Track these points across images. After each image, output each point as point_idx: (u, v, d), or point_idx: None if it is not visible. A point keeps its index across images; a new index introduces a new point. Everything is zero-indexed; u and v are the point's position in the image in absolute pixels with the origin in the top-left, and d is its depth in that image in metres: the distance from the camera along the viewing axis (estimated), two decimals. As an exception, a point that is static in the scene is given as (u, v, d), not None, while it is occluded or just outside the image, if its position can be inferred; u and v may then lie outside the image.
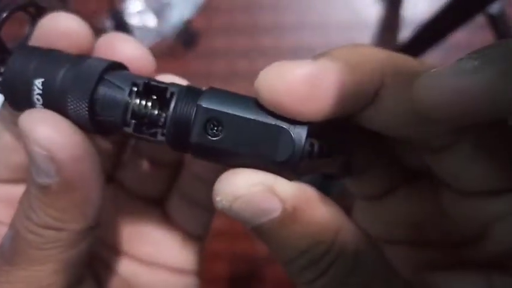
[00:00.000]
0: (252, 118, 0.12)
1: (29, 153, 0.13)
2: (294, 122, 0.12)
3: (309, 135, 0.12)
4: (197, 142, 0.12)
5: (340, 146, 0.14)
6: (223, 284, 0.78)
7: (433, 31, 0.56)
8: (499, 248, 0.14)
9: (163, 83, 0.14)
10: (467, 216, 0.14)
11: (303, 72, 0.13)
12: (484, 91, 0.11)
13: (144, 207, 0.19)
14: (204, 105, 0.13)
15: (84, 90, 0.13)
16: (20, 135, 0.13)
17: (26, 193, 0.14)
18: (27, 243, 0.13)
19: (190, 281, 0.19)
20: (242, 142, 0.12)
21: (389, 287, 0.13)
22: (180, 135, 0.13)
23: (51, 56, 0.14)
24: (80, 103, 0.13)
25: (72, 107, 0.13)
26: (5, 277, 0.14)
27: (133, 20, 0.84)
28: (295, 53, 0.82)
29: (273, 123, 0.12)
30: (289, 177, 0.12)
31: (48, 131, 0.12)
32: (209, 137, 0.12)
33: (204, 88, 0.14)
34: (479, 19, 0.59)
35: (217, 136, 0.12)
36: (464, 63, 0.12)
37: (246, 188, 0.12)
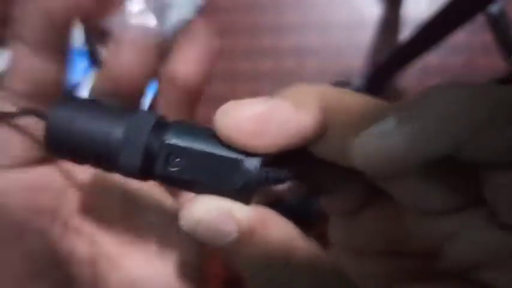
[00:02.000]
0: (210, 152, 0.14)
1: None
2: (248, 154, 0.14)
3: (263, 165, 0.14)
4: (160, 174, 0.14)
5: (297, 171, 0.15)
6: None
7: (433, 31, 0.57)
8: (452, 264, 0.14)
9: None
10: (424, 234, 0.15)
11: (251, 112, 0.14)
12: (405, 151, 0.12)
13: None
14: (166, 141, 0.14)
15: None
16: None
17: None
18: None
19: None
20: (202, 173, 0.14)
21: None
22: (146, 167, 0.14)
23: (95, 110, 0.15)
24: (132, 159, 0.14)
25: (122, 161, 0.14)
26: None
27: (133, 20, 0.84)
28: (296, 53, 0.82)
29: (228, 156, 0.14)
30: (249, 201, 0.14)
31: None
32: (171, 168, 0.14)
33: (171, 121, 0.15)
34: (479, 19, 0.59)
35: (179, 167, 0.14)
36: (386, 124, 0.12)
37: (204, 213, 0.13)
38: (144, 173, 0.14)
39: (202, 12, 0.85)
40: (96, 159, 0.14)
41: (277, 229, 0.14)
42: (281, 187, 0.12)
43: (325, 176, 0.16)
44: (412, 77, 0.79)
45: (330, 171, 0.15)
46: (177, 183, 0.14)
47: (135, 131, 0.14)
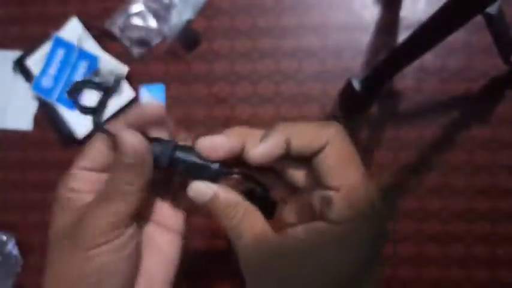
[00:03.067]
0: (195, 161, 0.27)
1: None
2: (212, 161, 0.27)
3: (220, 166, 0.27)
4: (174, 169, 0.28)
5: (238, 170, 0.28)
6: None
7: (432, 32, 0.57)
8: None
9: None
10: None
11: (212, 142, 0.27)
12: (270, 151, 0.26)
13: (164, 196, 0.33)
14: (175, 156, 0.28)
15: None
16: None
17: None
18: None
19: (179, 238, 0.32)
20: (192, 169, 0.28)
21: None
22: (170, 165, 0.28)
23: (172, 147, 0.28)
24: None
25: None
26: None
27: (134, 21, 0.85)
28: (295, 54, 0.82)
29: (203, 163, 0.27)
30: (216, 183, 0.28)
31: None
32: (178, 166, 0.28)
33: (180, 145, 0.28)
34: (478, 19, 0.59)
35: (182, 166, 0.28)
36: (259, 141, 0.27)
37: (198, 186, 0.27)
38: (168, 168, 0.28)
39: (201, 13, 0.85)
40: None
41: (230, 194, 0.27)
42: (232, 179, 0.28)
43: (256, 173, 0.29)
44: (411, 77, 0.79)
45: (257, 171, 0.29)
46: (180, 174, 0.28)
47: (165, 150, 0.28)
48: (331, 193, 0.25)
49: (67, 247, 0.26)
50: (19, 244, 0.84)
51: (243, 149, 0.27)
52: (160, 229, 0.31)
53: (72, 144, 0.85)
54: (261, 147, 0.26)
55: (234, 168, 0.28)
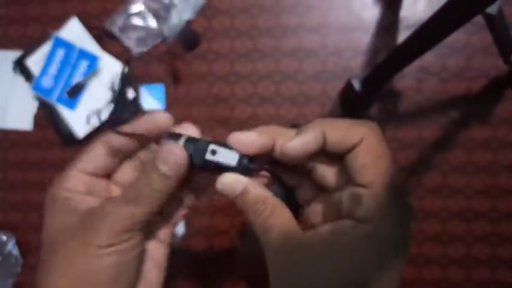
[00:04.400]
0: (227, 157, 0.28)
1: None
2: (242, 155, 0.27)
3: (248, 160, 0.27)
4: (204, 167, 0.28)
5: (265, 166, 0.28)
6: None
7: (432, 32, 0.57)
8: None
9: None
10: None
11: (245, 136, 0.27)
12: (306, 145, 0.27)
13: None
14: (205, 157, 0.28)
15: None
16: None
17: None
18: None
19: (168, 248, 0.32)
20: (221, 164, 0.27)
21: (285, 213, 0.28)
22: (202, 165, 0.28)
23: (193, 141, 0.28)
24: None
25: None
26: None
27: (134, 21, 0.85)
28: (295, 54, 0.82)
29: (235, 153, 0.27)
30: (246, 175, 0.28)
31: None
32: (209, 164, 0.28)
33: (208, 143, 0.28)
34: (478, 19, 0.59)
35: (213, 163, 0.28)
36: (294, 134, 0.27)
37: (227, 179, 0.27)
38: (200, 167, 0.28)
39: (201, 13, 0.85)
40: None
41: (258, 189, 0.28)
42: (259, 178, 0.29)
43: (284, 171, 0.29)
44: (411, 77, 0.79)
45: (284, 171, 0.29)
46: (211, 170, 0.28)
47: (198, 150, 0.28)
48: (361, 190, 0.25)
49: (76, 247, 0.26)
50: (19, 244, 0.84)
51: (273, 147, 0.27)
52: (154, 240, 0.32)
53: (72, 144, 0.85)
54: (297, 140, 0.26)
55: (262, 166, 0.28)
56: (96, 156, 0.29)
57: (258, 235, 0.27)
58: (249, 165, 0.27)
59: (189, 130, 0.29)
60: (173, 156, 0.27)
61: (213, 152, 0.27)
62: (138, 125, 0.29)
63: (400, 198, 0.26)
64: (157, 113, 0.29)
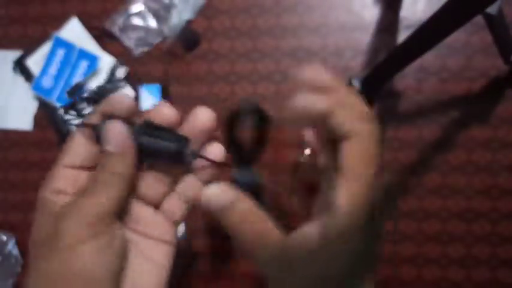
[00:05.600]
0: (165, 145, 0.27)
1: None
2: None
3: (188, 143, 0.27)
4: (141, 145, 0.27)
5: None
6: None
7: (432, 32, 0.57)
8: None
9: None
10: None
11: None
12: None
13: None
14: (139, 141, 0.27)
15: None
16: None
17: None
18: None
19: (171, 248, 0.31)
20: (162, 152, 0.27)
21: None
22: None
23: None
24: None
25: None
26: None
27: (134, 21, 0.85)
28: (295, 54, 0.82)
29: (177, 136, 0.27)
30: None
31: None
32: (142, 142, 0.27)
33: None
34: (478, 19, 0.59)
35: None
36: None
37: (213, 192, 0.26)
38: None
39: (201, 13, 0.85)
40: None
41: (246, 202, 0.26)
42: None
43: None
44: (411, 77, 0.79)
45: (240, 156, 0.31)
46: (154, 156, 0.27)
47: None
48: (339, 184, 0.24)
49: (48, 250, 0.25)
50: (19, 244, 0.84)
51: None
52: (151, 240, 0.30)
53: (72, 144, 0.85)
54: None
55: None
56: (79, 147, 0.27)
57: (246, 251, 0.26)
58: (187, 150, 0.26)
59: (214, 149, 0.29)
60: (112, 132, 0.26)
61: (153, 135, 0.26)
62: (104, 108, 0.28)
63: (379, 197, 0.25)
64: (116, 96, 0.28)
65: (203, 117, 0.30)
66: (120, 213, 0.27)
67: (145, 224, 0.30)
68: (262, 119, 0.69)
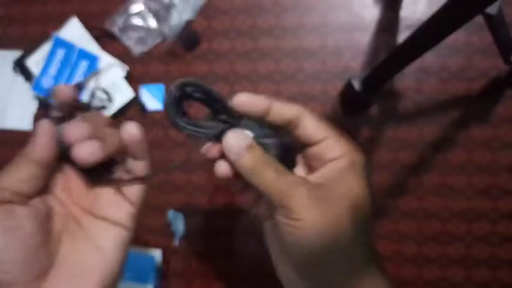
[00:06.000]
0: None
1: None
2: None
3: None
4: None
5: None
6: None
7: (432, 32, 0.57)
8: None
9: None
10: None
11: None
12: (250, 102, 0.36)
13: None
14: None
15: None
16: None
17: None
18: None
19: (127, 232, 0.31)
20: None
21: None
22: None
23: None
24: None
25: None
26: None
27: (134, 21, 0.85)
28: (295, 54, 0.82)
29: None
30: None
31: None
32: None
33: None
34: (478, 19, 0.59)
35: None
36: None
37: (233, 138, 0.33)
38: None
39: (201, 13, 0.85)
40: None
41: (258, 150, 0.32)
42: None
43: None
44: (411, 77, 0.79)
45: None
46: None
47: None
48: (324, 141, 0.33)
49: None
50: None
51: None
52: (104, 225, 0.31)
53: (72, 144, 0.85)
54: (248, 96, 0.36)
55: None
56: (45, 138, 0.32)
57: (271, 197, 0.31)
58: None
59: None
60: (40, 127, 0.32)
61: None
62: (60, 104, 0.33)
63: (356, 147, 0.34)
64: (60, 86, 0.33)
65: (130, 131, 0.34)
66: (33, 195, 0.29)
67: (101, 207, 0.32)
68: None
